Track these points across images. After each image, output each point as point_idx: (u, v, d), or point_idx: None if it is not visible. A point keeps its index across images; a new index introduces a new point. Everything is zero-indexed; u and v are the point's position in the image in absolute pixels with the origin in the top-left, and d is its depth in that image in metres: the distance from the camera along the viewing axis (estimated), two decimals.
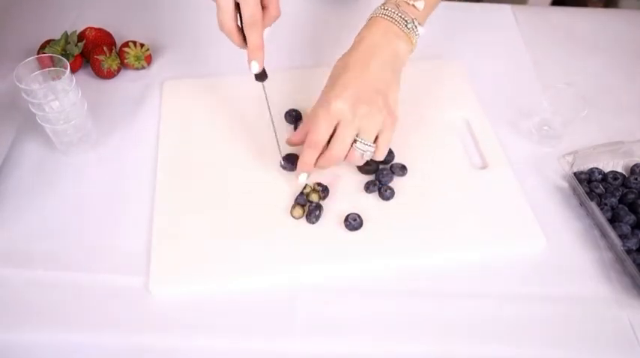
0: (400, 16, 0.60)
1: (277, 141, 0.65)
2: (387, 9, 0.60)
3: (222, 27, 0.58)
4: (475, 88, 0.76)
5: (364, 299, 0.57)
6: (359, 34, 0.62)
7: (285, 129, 0.70)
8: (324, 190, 0.62)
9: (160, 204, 0.62)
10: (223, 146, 0.68)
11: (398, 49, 0.60)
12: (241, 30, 0.59)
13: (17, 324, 0.54)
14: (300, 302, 0.56)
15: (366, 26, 0.62)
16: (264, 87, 0.63)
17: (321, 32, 0.84)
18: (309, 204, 0.61)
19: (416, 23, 0.60)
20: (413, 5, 0.61)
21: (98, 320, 0.55)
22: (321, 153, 0.60)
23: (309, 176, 0.62)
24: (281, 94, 0.73)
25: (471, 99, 0.74)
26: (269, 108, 0.64)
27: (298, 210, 0.61)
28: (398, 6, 0.60)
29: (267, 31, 0.59)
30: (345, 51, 0.61)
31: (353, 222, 0.60)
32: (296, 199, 0.62)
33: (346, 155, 0.60)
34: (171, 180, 0.64)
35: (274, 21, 0.60)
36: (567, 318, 0.56)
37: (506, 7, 0.90)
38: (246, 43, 0.59)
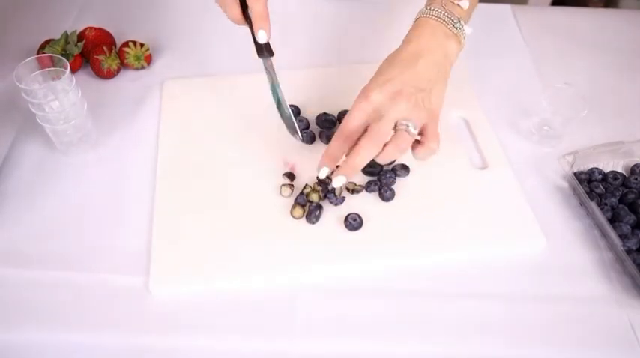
0: (447, 17, 0.59)
1: (293, 119, 0.64)
2: (434, 9, 0.60)
3: None
4: (475, 87, 0.76)
5: (364, 299, 0.57)
6: (407, 35, 0.60)
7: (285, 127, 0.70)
8: (324, 189, 0.62)
9: (160, 204, 0.62)
10: (223, 146, 0.68)
11: (447, 50, 0.59)
12: (239, 4, 0.58)
13: (17, 324, 0.54)
14: (300, 302, 0.56)
15: (415, 27, 0.60)
16: (271, 63, 0.61)
17: (329, 31, 0.84)
18: (309, 204, 0.61)
19: (462, 23, 0.60)
20: (458, 5, 0.60)
21: (98, 320, 0.55)
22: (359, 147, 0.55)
23: (330, 172, 0.57)
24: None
25: (471, 99, 0.74)
26: (274, 83, 0.62)
27: (298, 210, 0.61)
28: (444, 6, 0.60)
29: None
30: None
31: (353, 222, 0.60)
32: (296, 199, 0.62)
33: (390, 144, 0.55)
34: (171, 180, 0.64)
35: None
36: (567, 318, 0.56)
37: (506, 7, 0.90)
38: (243, 17, 0.59)
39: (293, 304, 0.56)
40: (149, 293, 0.56)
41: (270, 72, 0.63)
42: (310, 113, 0.71)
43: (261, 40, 0.58)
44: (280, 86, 0.63)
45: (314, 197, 0.62)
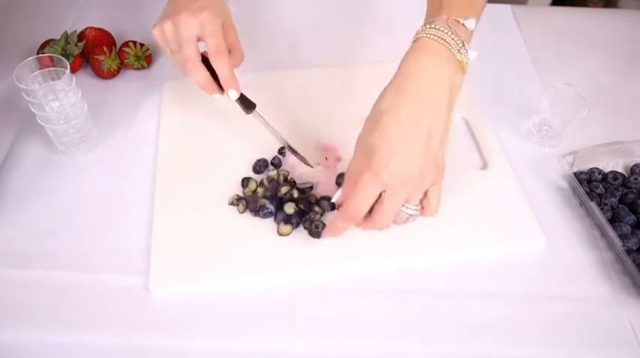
0: (453, 39, 0.51)
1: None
2: (439, 28, 0.51)
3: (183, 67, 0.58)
4: (475, 88, 0.75)
5: (364, 299, 0.57)
6: (405, 60, 0.52)
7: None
8: (303, 201, 0.62)
9: (159, 204, 0.62)
10: (223, 146, 0.68)
11: (453, 80, 0.51)
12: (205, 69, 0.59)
13: (17, 324, 0.54)
14: (300, 302, 0.56)
15: (414, 50, 0.51)
16: (258, 114, 0.63)
17: (315, 32, 0.84)
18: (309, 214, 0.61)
19: (467, 47, 0.51)
20: (463, 24, 0.52)
21: (98, 320, 0.55)
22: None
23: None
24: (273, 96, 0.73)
25: (471, 100, 0.74)
26: (276, 132, 0.65)
27: (284, 227, 0.60)
28: (449, 25, 0.51)
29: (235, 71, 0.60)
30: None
31: (316, 229, 0.59)
32: (276, 218, 0.61)
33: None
34: (171, 180, 0.64)
35: (240, 63, 0.62)
36: (567, 318, 0.56)
37: (506, 7, 0.90)
38: (218, 87, 0.60)
39: (293, 304, 0.56)
40: (149, 293, 0.56)
41: (264, 121, 0.63)
42: (313, 113, 0.71)
43: (234, 97, 0.61)
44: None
45: (290, 209, 0.60)
